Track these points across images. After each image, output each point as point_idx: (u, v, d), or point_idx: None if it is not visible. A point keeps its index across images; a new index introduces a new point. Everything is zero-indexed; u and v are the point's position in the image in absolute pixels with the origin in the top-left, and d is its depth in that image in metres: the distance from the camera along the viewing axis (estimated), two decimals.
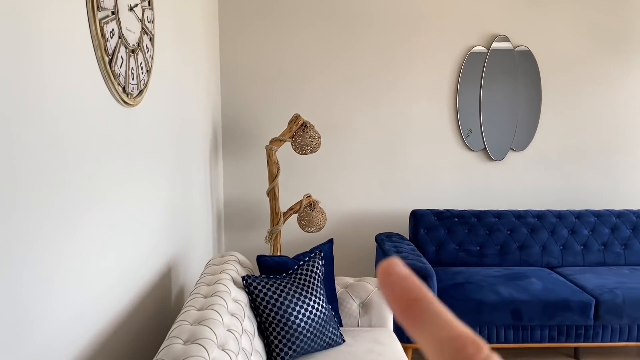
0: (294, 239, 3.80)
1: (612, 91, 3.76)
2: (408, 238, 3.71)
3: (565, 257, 3.48)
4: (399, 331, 2.91)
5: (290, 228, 3.77)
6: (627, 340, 2.96)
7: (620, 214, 3.59)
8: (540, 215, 3.56)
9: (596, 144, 3.80)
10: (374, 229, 3.83)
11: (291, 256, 3.11)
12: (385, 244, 3.32)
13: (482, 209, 3.81)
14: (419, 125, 3.75)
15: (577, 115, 3.78)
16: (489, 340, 2.92)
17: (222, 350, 1.54)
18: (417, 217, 3.55)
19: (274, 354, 2.02)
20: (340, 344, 2.21)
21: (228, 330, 1.67)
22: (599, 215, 3.59)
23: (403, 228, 3.82)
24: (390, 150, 3.76)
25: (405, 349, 2.93)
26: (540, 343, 2.95)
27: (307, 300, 2.07)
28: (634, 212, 3.59)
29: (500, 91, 3.73)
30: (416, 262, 2.93)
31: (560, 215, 3.57)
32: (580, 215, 3.58)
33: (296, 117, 3.22)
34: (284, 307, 2.01)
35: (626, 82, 3.75)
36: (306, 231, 3.36)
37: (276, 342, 2.01)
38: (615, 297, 2.94)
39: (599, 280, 3.12)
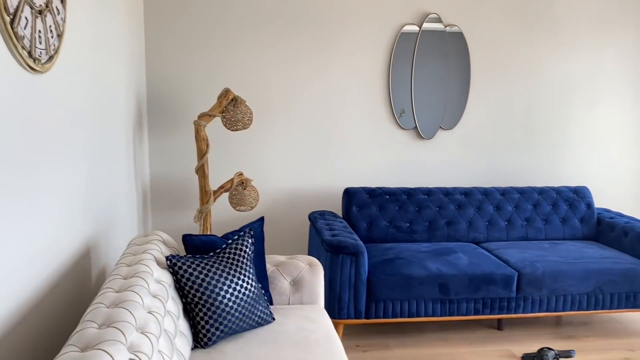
0: (225, 218, 3.71)
1: (537, 72, 3.89)
2: (341, 216, 3.72)
3: (490, 233, 3.60)
4: (330, 308, 2.92)
5: (222, 207, 3.68)
6: (546, 311, 3.11)
7: (542, 191, 3.74)
8: (468, 192, 3.66)
9: (521, 123, 3.94)
10: (308, 207, 3.80)
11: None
12: (318, 222, 3.30)
13: (413, 186, 3.86)
14: (353, 103, 3.73)
15: (503, 96, 3.89)
16: (417, 314, 2.98)
17: (142, 333, 1.46)
18: (350, 195, 3.55)
19: (201, 335, 1.95)
20: (270, 322, 2.17)
21: (149, 313, 1.58)
22: (523, 192, 3.73)
23: (336, 206, 3.82)
24: (324, 128, 3.72)
25: (336, 325, 2.94)
26: (465, 316, 3.04)
27: (235, 280, 2.01)
28: (554, 189, 3.76)
29: (431, 71, 3.77)
30: (348, 238, 2.93)
31: (486, 192, 3.68)
32: (505, 192, 3.71)
33: (226, 92, 3.11)
34: (210, 287, 1.94)
35: (550, 63, 3.89)
36: (238, 210, 3.28)
37: (203, 322, 1.94)
38: (535, 270, 3.07)
39: (521, 255, 3.25)
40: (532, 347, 3.04)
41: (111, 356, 1.25)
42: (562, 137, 3.99)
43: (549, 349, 2.80)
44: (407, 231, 3.53)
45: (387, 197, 3.58)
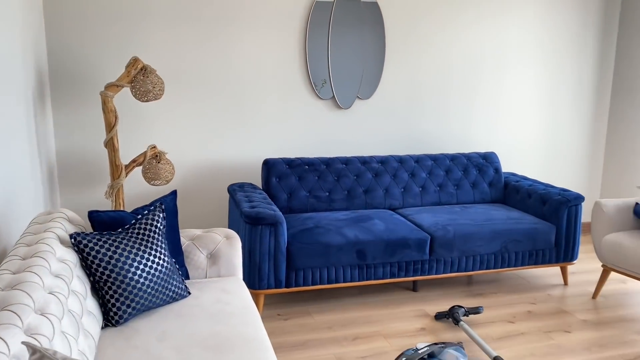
0: (139, 193, 3.59)
1: (448, 43, 4.01)
2: (261, 187, 3.70)
3: (405, 199, 3.72)
4: (251, 279, 2.92)
5: (136, 182, 3.55)
6: (457, 271, 3.29)
7: (453, 157, 3.90)
8: (384, 161, 3.75)
9: (434, 92, 4.06)
10: (227, 180, 3.75)
11: None
12: (237, 194, 3.27)
13: (332, 156, 3.91)
14: (269, 73, 3.68)
15: (417, 66, 3.98)
16: (336, 280, 3.06)
17: (42, 314, 1.39)
18: (269, 166, 3.53)
19: (112, 314, 1.89)
20: (185, 296, 2.14)
21: (50, 293, 1.51)
22: (435, 159, 3.87)
23: (256, 178, 3.80)
24: (241, 99, 3.66)
25: (257, 295, 2.96)
26: (382, 279, 3.15)
27: (146, 255, 1.95)
28: (465, 155, 3.93)
29: (347, 41, 3.78)
30: (266, 210, 2.92)
31: (401, 160, 3.79)
32: (419, 159, 3.84)
33: (135, 61, 2.97)
34: (119, 264, 1.88)
35: (460, 34, 4.02)
36: (152, 184, 3.18)
37: (113, 300, 1.88)
38: (447, 233, 3.22)
39: (434, 219, 3.39)
40: (445, 306, 3.20)
41: (4, 340, 1.18)
42: (471, 105, 4.16)
43: (460, 306, 2.96)
44: (326, 200, 3.58)
45: (306, 167, 3.59)
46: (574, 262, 3.48)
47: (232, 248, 2.45)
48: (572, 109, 4.42)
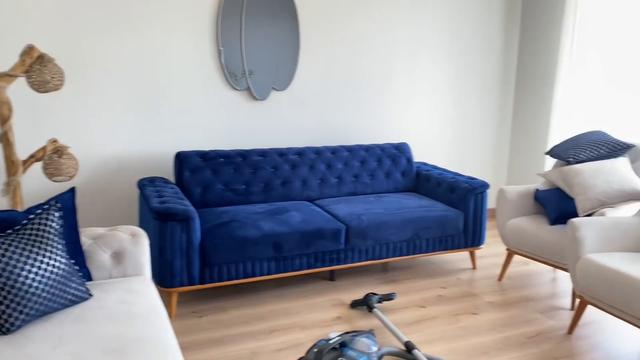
0: (41, 190, 3.37)
1: (362, 34, 4.06)
2: (174, 182, 3.59)
3: (322, 190, 3.75)
4: (162, 277, 2.83)
5: (36, 179, 3.33)
6: (372, 259, 3.36)
7: (368, 148, 3.97)
8: (301, 152, 3.75)
9: (348, 84, 4.10)
10: (137, 175, 3.60)
11: None
12: (147, 189, 3.15)
13: (248, 148, 3.85)
14: (181, 63, 3.56)
15: (332, 58, 4.00)
16: (253, 274, 3.03)
17: None
18: (182, 160, 3.43)
19: (1, 321, 1.76)
20: (86, 299, 2.03)
21: None
22: (351, 150, 3.92)
23: (168, 172, 3.67)
24: (151, 89, 3.51)
25: (170, 294, 2.87)
26: (299, 271, 3.16)
27: (39, 257, 1.83)
28: (379, 146, 4.01)
29: (261, 31, 3.73)
30: (177, 205, 2.84)
31: (318, 152, 3.81)
32: (335, 150, 3.87)
33: (30, 49, 2.76)
34: (9, 268, 1.75)
35: (374, 26, 4.08)
36: (54, 181, 2.98)
37: (3, 307, 1.75)
38: (361, 223, 3.27)
39: (350, 209, 3.43)
40: (361, 294, 3.26)
41: None
42: (385, 97, 4.24)
43: (374, 294, 3.03)
44: (243, 193, 3.53)
45: (222, 160, 3.52)
46: (481, 246, 3.66)
47: (138, 246, 2.35)
48: (479, 101, 4.63)
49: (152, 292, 2.18)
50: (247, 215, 3.20)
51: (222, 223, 3.06)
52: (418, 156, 4.49)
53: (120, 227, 2.41)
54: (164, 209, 2.77)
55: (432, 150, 4.53)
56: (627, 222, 2.82)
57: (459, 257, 3.92)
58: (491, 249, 4.13)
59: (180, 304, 3.08)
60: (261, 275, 3.06)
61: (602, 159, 3.19)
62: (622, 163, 3.14)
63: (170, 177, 3.68)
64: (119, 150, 3.51)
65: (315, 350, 2.07)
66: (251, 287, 3.33)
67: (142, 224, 3.19)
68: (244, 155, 3.59)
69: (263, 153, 3.65)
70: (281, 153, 3.70)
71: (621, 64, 3.64)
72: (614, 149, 3.20)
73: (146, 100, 3.52)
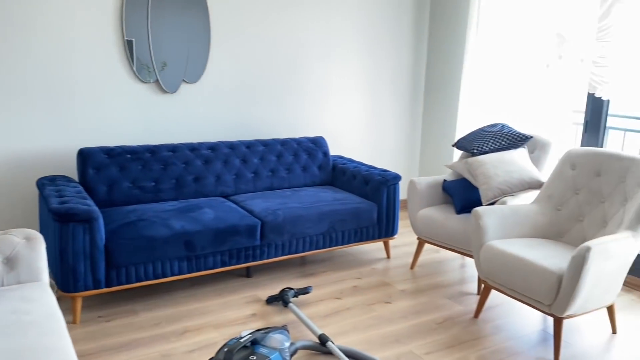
0: None
1: (275, 28, 4.02)
2: (77, 180, 3.39)
3: (238, 185, 3.69)
4: (64, 282, 2.66)
5: None
6: (289, 254, 3.35)
7: (284, 142, 3.95)
8: (214, 147, 3.66)
9: (263, 77, 4.05)
10: (36, 173, 3.36)
11: None
12: (47, 188, 2.95)
13: (157, 143, 3.71)
14: (85, 55, 3.36)
15: (245, 50, 3.93)
16: (164, 275, 2.92)
17: None
18: (85, 156, 3.24)
19: None
20: None
21: None
22: (267, 144, 3.88)
23: (71, 170, 3.46)
24: (53, 83, 3.29)
25: (74, 299, 2.71)
26: (213, 269, 3.09)
27: None
28: (295, 140, 4.00)
29: (169, 22, 3.59)
30: (79, 205, 2.68)
31: (232, 146, 3.74)
32: (250, 145, 3.81)
33: None
34: None
35: (287, 20, 4.05)
36: None
37: None
38: (277, 217, 3.25)
39: (266, 204, 3.40)
40: (278, 290, 3.25)
41: None
42: (301, 91, 4.24)
43: (290, 288, 3.02)
44: (152, 191, 3.39)
45: (129, 156, 3.37)
46: (395, 236, 3.75)
47: (34, 250, 2.20)
48: (391, 96, 4.74)
49: (49, 298, 2.04)
50: (156, 213, 3.09)
51: (129, 222, 2.93)
52: (335, 150, 4.53)
53: (13, 230, 2.24)
54: (65, 210, 2.60)
55: (348, 143, 4.59)
56: (525, 210, 2.99)
57: (374, 248, 4.01)
58: (405, 239, 4.25)
59: (86, 308, 2.92)
60: (172, 275, 2.96)
61: (504, 150, 3.36)
62: (521, 154, 3.32)
63: (74, 175, 3.47)
64: (16, 149, 3.26)
65: (226, 349, 2.03)
66: (163, 287, 3.22)
67: (43, 226, 2.99)
68: (152, 150, 3.45)
69: (173, 148, 3.53)
70: (193, 148, 3.59)
71: (519, 62, 3.85)
72: (514, 140, 3.38)
73: (48, 94, 3.29)
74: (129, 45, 3.48)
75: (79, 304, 2.73)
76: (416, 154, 5.02)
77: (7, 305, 1.94)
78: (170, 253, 2.92)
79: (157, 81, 3.62)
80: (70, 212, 2.60)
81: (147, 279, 2.89)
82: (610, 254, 2.43)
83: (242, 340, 2.07)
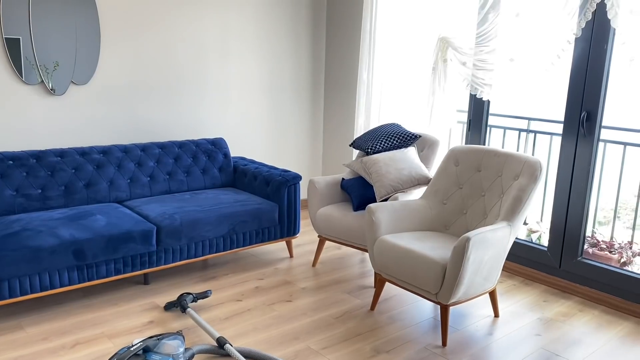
0: None
1: (171, 29, 3.93)
2: None
3: (133, 190, 3.57)
4: None
5: None
6: (187, 258, 3.30)
7: (182, 145, 3.88)
8: (106, 151, 3.53)
9: (159, 79, 3.95)
10: None
11: None
12: None
13: (43, 148, 3.51)
14: None
15: (139, 51, 3.82)
16: (52, 286, 2.78)
17: None
18: None
19: None
20: None
21: None
22: (163, 147, 3.80)
23: None
24: None
25: None
26: (107, 278, 2.98)
27: None
28: (194, 142, 3.95)
29: (53, 20, 3.40)
30: None
31: (126, 150, 3.62)
32: (145, 148, 3.71)
33: None
34: None
35: (183, 20, 3.98)
36: None
37: None
38: (174, 222, 3.19)
39: (162, 208, 3.33)
40: (177, 295, 3.19)
41: None
42: (199, 92, 4.18)
43: (188, 293, 2.98)
44: (39, 199, 3.21)
45: (11, 162, 3.16)
46: (297, 235, 3.81)
47: None
48: (293, 96, 4.80)
49: None
50: (43, 222, 2.92)
51: (12, 233, 2.75)
52: (236, 151, 4.51)
53: None
54: None
55: (250, 144, 4.59)
56: (414, 204, 3.16)
57: (277, 248, 4.05)
58: (307, 237, 4.33)
59: None
60: (62, 286, 2.82)
61: (395, 149, 3.52)
62: (411, 152, 3.50)
63: None
64: None
65: (116, 359, 1.97)
66: (53, 299, 3.06)
67: None
68: (37, 156, 3.26)
69: (61, 153, 3.36)
70: (83, 152, 3.44)
71: (409, 65, 4.05)
72: (404, 139, 3.55)
73: None
74: (9, 44, 3.26)
75: None
76: (319, 154, 5.12)
77: None
78: (59, 263, 2.78)
79: (42, 82, 3.43)
80: None
81: (33, 292, 2.73)
82: (488, 243, 2.63)
83: (132, 349, 2.02)
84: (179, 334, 2.29)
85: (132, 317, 2.89)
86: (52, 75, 3.44)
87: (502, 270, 3.73)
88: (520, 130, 4.01)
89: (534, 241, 3.93)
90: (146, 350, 2.07)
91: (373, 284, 3.44)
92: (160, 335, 2.19)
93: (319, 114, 5.03)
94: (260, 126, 4.63)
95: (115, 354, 2.05)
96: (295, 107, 4.84)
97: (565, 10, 3.08)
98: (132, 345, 2.06)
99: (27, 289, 2.71)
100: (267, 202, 3.65)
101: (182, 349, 2.17)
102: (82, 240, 2.84)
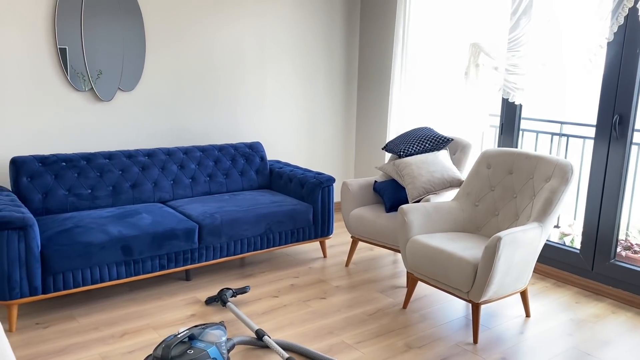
0: None
1: (210, 36, 4.12)
2: (10, 189, 3.37)
3: (176, 191, 3.75)
4: (0, 289, 2.66)
5: None
6: (227, 256, 3.45)
7: (221, 148, 4.05)
8: (151, 154, 3.72)
9: (200, 84, 4.14)
10: None
11: None
12: None
13: (93, 151, 3.73)
14: (14, 64, 3.34)
15: (181, 58, 4.01)
16: (102, 280, 2.96)
17: None
18: (18, 165, 3.23)
19: None
20: None
21: None
22: (204, 150, 3.97)
23: (3, 179, 3.43)
24: None
25: (10, 307, 2.71)
26: (152, 273, 3.15)
27: None
28: (232, 146, 4.11)
29: (103, 30, 3.62)
30: (13, 212, 2.68)
31: (169, 152, 3.80)
32: (187, 151, 3.89)
33: None
34: None
35: (222, 28, 4.16)
36: None
37: None
38: (215, 221, 3.35)
39: (203, 208, 3.49)
40: (216, 291, 3.34)
41: None
42: (237, 97, 4.35)
43: (228, 288, 3.13)
44: (89, 198, 3.41)
45: (64, 164, 3.38)
46: (330, 236, 3.92)
47: None
48: (326, 100, 4.93)
49: None
50: (93, 220, 3.12)
51: (66, 229, 2.95)
52: (271, 154, 4.66)
53: None
54: None
55: (284, 148, 4.74)
56: (446, 206, 3.23)
57: (311, 248, 4.17)
58: (340, 239, 4.43)
59: (22, 316, 2.92)
60: (110, 280, 3.00)
61: (427, 152, 3.61)
62: (443, 155, 3.58)
63: (7, 184, 3.44)
64: None
65: (163, 345, 2.12)
66: (102, 293, 3.25)
67: None
68: (88, 158, 3.47)
69: (109, 155, 3.56)
70: (130, 155, 3.63)
71: (441, 70, 4.13)
72: (437, 142, 3.63)
73: None
74: (62, 54, 3.49)
75: (14, 312, 2.73)
76: (351, 157, 5.23)
77: None
78: (108, 258, 2.96)
79: (92, 89, 3.64)
80: (4, 220, 2.61)
81: (84, 285, 2.92)
82: (519, 243, 2.69)
83: (179, 336, 2.16)
84: (221, 324, 2.42)
85: (175, 311, 3.05)
86: (96, 82, 3.65)
87: (534, 272, 3.75)
88: (553, 134, 4.04)
89: (566, 244, 3.94)
90: (191, 338, 2.21)
91: (405, 284, 3.52)
92: (204, 325, 2.33)
93: (351, 118, 5.14)
94: (294, 130, 4.77)
95: (163, 340, 2.19)
96: (328, 112, 4.97)
97: (598, 14, 3.12)
98: (179, 333, 2.20)
99: (80, 282, 2.90)
100: (302, 203, 3.78)
101: (224, 338, 2.30)
102: (129, 236, 3.02)
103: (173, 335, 2.21)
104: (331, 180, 3.82)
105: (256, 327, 2.66)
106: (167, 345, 2.09)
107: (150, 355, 2.15)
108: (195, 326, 2.29)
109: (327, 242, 4.32)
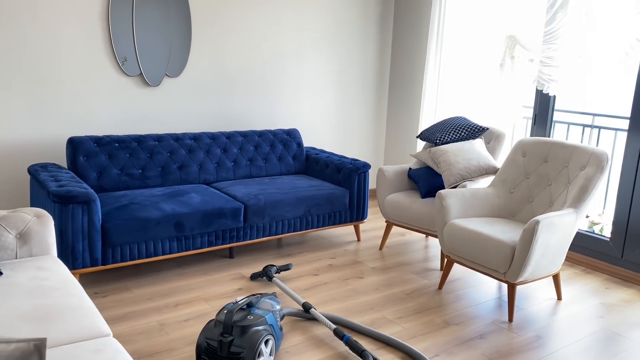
0: None
1: (253, 25, 4.27)
2: (67, 167, 3.56)
3: (219, 173, 3.92)
4: (64, 259, 2.85)
5: None
6: (269, 235, 3.61)
7: (261, 134, 4.21)
8: (197, 137, 3.89)
9: (241, 72, 4.30)
10: (26, 161, 3.51)
11: None
12: (41, 174, 3.11)
13: (142, 133, 3.91)
14: (72, 49, 3.52)
15: (224, 45, 4.17)
16: (155, 254, 3.14)
17: None
18: (75, 145, 3.41)
19: None
20: None
21: None
22: (245, 135, 4.13)
23: (60, 158, 3.62)
24: (39, 75, 3.44)
25: (73, 275, 2.89)
26: (200, 249, 3.33)
27: None
28: (271, 132, 4.27)
29: (152, 17, 3.79)
30: (77, 188, 2.87)
31: (213, 137, 3.97)
32: (230, 135, 4.06)
33: None
34: None
35: (263, 19, 4.31)
36: None
37: None
38: (259, 201, 3.51)
39: (247, 190, 3.66)
40: (259, 268, 3.51)
41: None
42: (276, 85, 4.51)
43: (272, 265, 3.29)
44: (139, 177, 3.59)
45: (117, 145, 3.56)
46: (365, 220, 4.07)
47: (44, 227, 2.39)
48: (359, 90, 5.06)
49: (62, 268, 2.25)
50: (146, 197, 3.30)
51: (122, 205, 3.13)
52: (307, 141, 4.81)
53: (23, 208, 2.42)
54: (65, 192, 2.79)
55: (319, 135, 4.88)
56: (483, 192, 3.36)
57: (346, 231, 4.32)
58: (373, 223, 4.58)
59: (82, 285, 3.10)
60: (163, 254, 3.18)
61: (463, 141, 3.73)
62: (478, 143, 3.70)
63: (63, 162, 3.63)
64: (9, 136, 3.40)
65: (225, 311, 2.28)
66: (153, 267, 3.43)
67: None
68: (139, 140, 3.65)
69: (158, 138, 3.74)
70: (177, 138, 3.81)
71: (476, 61, 4.24)
72: (472, 131, 3.75)
73: (34, 87, 3.44)
74: (115, 40, 3.66)
75: (77, 281, 2.92)
76: (381, 145, 5.37)
77: (26, 274, 2.14)
78: (162, 233, 3.14)
79: (140, 74, 3.82)
80: (70, 194, 2.79)
81: (139, 258, 3.10)
82: (555, 227, 2.81)
83: (239, 303, 2.33)
84: (274, 295, 2.59)
85: (222, 285, 3.22)
86: (145, 68, 3.81)
87: (565, 259, 3.87)
88: (585, 126, 4.13)
89: (595, 232, 4.04)
90: (249, 305, 2.38)
91: (438, 267, 3.65)
92: (260, 294, 2.49)
93: (383, 107, 5.27)
94: (329, 118, 4.91)
95: (224, 307, 2.36)
96: (361, 101, 5.10)
97: (635, 9, 3.21)
98: (238, 301, 2.37)
99: (135, 255, 3.08)
100: (338, 187, 3.93)
101: (278, 307, 2.46)
102: (182, 214, 3.20)
103: (232, 303, 2.37)
104: (367, 166, 3.96)
105: (302, 301, 2.82)
106: (229, 310, 2.25)
107: (213, 320, 2.31)
108: (252, 295, 2.46)
109: (361, 226, 4.46)
